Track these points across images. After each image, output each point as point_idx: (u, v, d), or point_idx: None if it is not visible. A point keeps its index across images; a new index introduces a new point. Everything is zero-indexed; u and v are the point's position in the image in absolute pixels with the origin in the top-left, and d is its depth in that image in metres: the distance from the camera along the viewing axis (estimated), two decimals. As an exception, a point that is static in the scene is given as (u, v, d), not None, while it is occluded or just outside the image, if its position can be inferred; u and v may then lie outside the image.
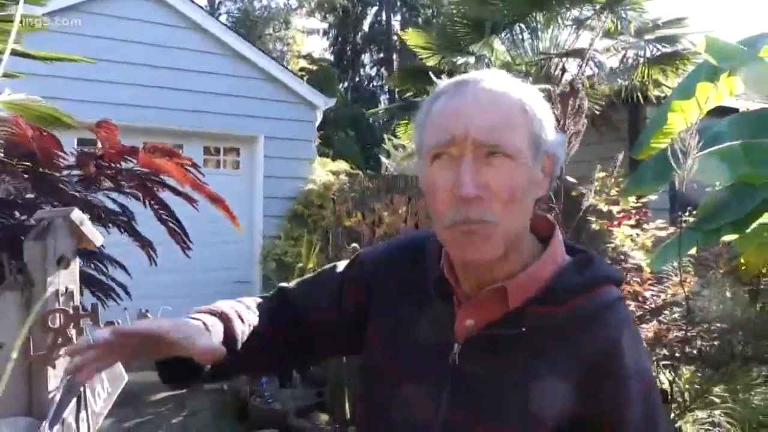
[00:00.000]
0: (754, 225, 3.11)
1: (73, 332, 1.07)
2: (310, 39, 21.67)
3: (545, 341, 0.84)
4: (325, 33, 21.58)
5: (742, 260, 3.83)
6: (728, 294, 3.87)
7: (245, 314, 1.02)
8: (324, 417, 3.54)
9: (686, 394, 2.77)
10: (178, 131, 5.95)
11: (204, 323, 0.93)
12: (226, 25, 7.08)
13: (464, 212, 0.81)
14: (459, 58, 5.82)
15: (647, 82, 5.94)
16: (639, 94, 5.88)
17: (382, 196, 5.87)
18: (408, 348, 0.94)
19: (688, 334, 3.54)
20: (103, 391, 1.07)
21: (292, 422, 3.42)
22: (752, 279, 3.94)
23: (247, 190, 6.26)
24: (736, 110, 5.06)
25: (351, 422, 3.37)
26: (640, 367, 0.87)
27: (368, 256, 1.08)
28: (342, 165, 7.67)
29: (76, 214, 1.12)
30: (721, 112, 4.82)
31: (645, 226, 4.33)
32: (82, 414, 0.99)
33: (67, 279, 1.11)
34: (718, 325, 3.71)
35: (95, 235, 1.18)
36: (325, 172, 6.36)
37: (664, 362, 3.29)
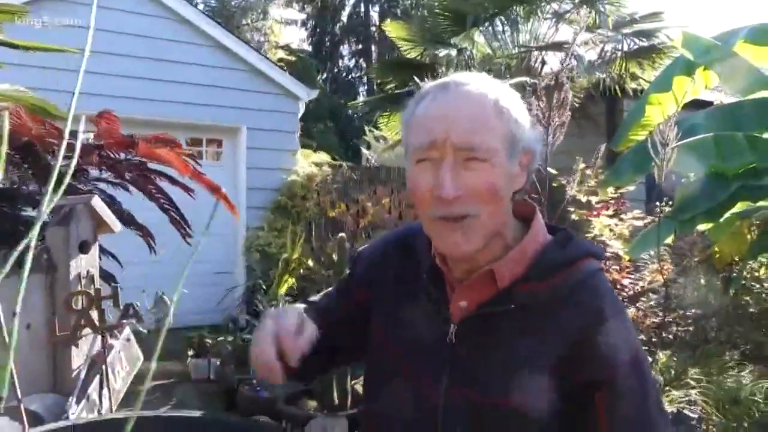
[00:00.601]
0: (726, 215, 3.24)
1: (95, 313, 1.11)
2: (288, 30, 21.52)
3: (533, 315, 0.91)
4: (304, 24, 21.43)
5: (716, 249, 3.97)
6: (702, 281, 4.01)
7: None
8: (312, 403, 3.59)
9: (663, 377, 2.88)
10: (160, 122, 5.91)
11: None
12: (208, 15, 7.02)
13: (446, 210, 0.89)
14: (441, 50, 5.88)
15: (624, 76, 6.06)
16: (617, 87, 6.00)
17: (365, 188, 5.93)
18: (408, 334, 1.01)
19: (665, 319, 3.67)
20: (122, 369, 1.11)
21: (281, 408, 3.47)
22: (725, 267, 4.09)
23: (230, 182, 6.26)
24: (710, 103, 5.21)
25: (339, 408, 3.43)
26: (626, 333, 0.94)
27: (365, 254, 1.16)
28: (323, 156, 7.70)
29: (96, 201, 1.16)
30: (696, 105, 4.96)
31: (623, 216, 4.45)
32: (104, 391, 1.04)
33: (88, 263, 1.15)
34: (693, 311, 3.86)
35: (114, 221, 1.22)
36: (308, 163, 6.38)
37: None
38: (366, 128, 8.54)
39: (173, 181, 1.86)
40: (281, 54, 19.15)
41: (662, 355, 3.34)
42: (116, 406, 1.08)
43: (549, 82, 2.29)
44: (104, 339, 0.84)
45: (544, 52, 6.11)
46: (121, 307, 1.26)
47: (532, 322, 0.91)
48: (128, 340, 1.39)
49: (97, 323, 1.09)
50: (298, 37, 21.89)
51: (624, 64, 5.96)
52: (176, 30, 6.05)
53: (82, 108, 0.70)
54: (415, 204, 0.95)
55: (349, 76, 22.37)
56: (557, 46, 5.77)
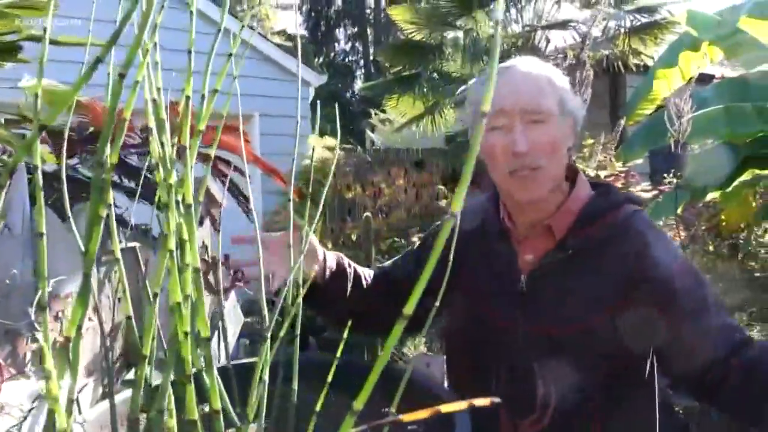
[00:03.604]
0: (735, 183, 3.39)
1: (211, 278, 1.26)
2: (284, 15, 21.45)
3: (589, 256, 1.10)
4: (299, 8, 21.38)
5: (722, 216, 4.13)
6: (711, 248, 4.17)
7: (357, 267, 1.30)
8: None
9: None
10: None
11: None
12: (214, 3, 7.08)
13: (519, 164, 1.09)
14: (448, 32, 5.98)
15: (627, 52, 6.18)
16: (620, 63, 6.12)
17: (377, 170, 6.06)
18: (487, 285, 1.18)
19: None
20: (231, 325, 1.27)
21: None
22: (732, 234, 4.25)
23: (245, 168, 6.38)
24: (713, 77, 5.34)
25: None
26: (672, 252, 1.12)
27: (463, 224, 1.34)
28: (330, 141, 7.81)
29: (209, 181, 1.31)
30: (700, 79, 5.09)
31: (631, 189, 4.60)
32: (221, 344, 1.19)
33: (202, 233, 1.30)
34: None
35: (218, 195, 1.37)
36: (321, 148, 6.51)
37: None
38: (372, 111, 8.63)
39: (229, 164, 2.00)
40: (278, 39, 19.16)
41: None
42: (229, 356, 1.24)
43: (571, 62, 2.42)
44: (219, 300, 0.99)
45: (547, 31, 6.21)
46: (231, 273, 1.42)
47: (588, 262, 1.09)
48: (235, 302, 1.54)
49: (213, 287, 1.25)
50: (294, 22, 21.86)
51: (627, 40, 6.07)
52: (186, 19, 6.14)
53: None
54: (489, 166, 1.14)
55: (346, 60, 22.37)
56: (561, 25, 5.88)
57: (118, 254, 0.65)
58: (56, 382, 0.45)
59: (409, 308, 0.33)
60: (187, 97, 0.61)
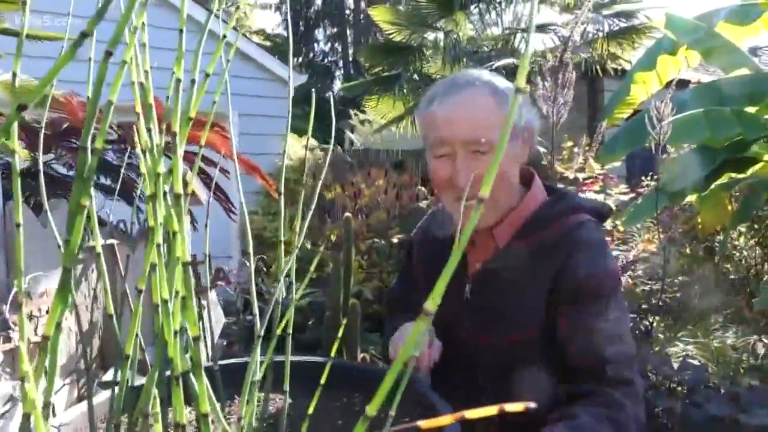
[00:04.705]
0: (712, 186, 3.43)
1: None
2: (262, 14, 21.34)
3: (527, 265, 1.08)
4: (278, 8, 21.28)
5: (699, 219, 4.18)
6: (687, 251, 4.23)
7: None
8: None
9: (662, 336, 3.08)
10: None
11: None
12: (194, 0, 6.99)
13: (462, 194, 1.05)
14: (428, 33, 5.99)
15: (605, 56, 6.25)
16: (598, 67, 6.19)
17: (356, 170, 6.04)
18: (443, 297, 1.16)
19: (653, 287, 3.88)
20: (213, 326, 1.23)
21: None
22: (708, 237, 4.31)
23: (223, 166, 6.32)
24: (689, 82, 5.42)
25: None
26: (596, 262, 1.06)
27: (415, 238, 1.36)
28: (308, 141, 7.76)
29: (188, 177, 1.27)
30: (677, 84, 5.16)
31: (608, 191, 4.64)
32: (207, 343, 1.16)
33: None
34: (680, 278, 4.07)
35: (202, 193, 1.34)
36: (300, 147, 6.46)
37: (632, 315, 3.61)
38: (351, 112, 8.61)
39: (209, 161, 1.96)
40: (256, 39, 19.03)
41: (653, 319, 3.55)
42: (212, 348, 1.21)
43: (553, 63, 2.43)
44: (199, 300, 0.95)
45: (526, 34, 6.24)
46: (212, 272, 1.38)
47: (526, 271, 1.07)
48: (216, 301, 1.50)
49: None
50: (272, 22, 21.76)
51: (605, 45, 6.14)
52: (162, 16, 6.05)
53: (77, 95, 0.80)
54: (436, 189, 1.14)
55: (325, 60, 22.31)
56: (540, 28, 5.92)
57: (99, 249, 0.62)
58: (33, 385, 0.42)
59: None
60: (178, 80, 0.58)
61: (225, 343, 4.64)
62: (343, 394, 0.84)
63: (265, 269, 5.03)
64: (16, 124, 0.47)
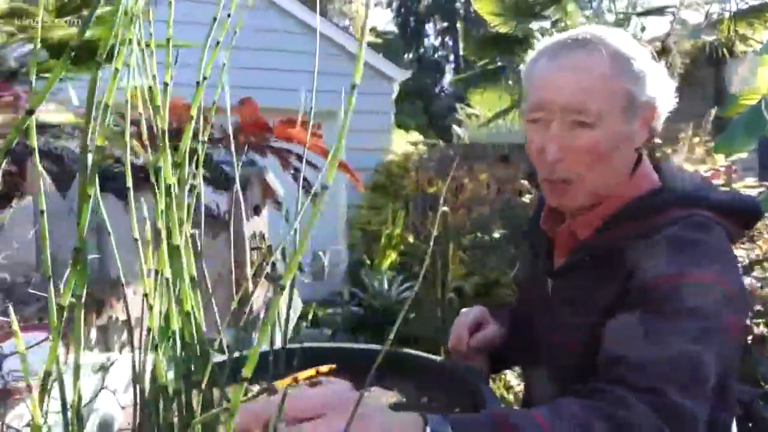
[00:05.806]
0: None
1: (266, 266, 1.33)
2: (373, 12, 21.68)
3: (605, 262, 0.92)
4: (389, 4, 21.55)
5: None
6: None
7: None
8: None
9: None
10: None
11: None
12: (301, 2, 7.27)
13: (550, 171, 0.95)
14: (534, 23, 5.82)
15: (733, 38, 5.76)
16: (725, 50, 5.72)
17: (460, 164, 6.01)
18: (535, 290, 1.11)
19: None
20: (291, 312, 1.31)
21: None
22: None
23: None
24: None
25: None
26: (685, 267, 0.84)
27: (529, 225, 1.25)
28: (416, 136, 7.83)
29: (268, 173, 1.37)
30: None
31: (734, 185, 4.28)
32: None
33: (260, 224, 1.37)
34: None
35: (278, 187, 1.43)
36: (404, 142, 6.54)
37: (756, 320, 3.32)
38: (458, 106, 8.56)
39: (299, 157, 2.05)
40: (368, 37, 19.34)
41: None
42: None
43: (655, 48, 2.29)
44: (275, 287, 1.02)
45: (643, 18, 5.90)
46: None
47: (602, 269, 0.92)
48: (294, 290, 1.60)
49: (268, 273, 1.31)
50: (383, 19, 22.10)
51: (732, 26, 5.66)
52: (272, 18, 6.33)
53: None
54: (533, 162, 1.00)
55: (435, 55, 22.30)
56: (658, 11, 5.56)
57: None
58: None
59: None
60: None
61: (330, 333, 4.83)
62: (395, 383, 0.86)
63: (369, 262, 5.15)
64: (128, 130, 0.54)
